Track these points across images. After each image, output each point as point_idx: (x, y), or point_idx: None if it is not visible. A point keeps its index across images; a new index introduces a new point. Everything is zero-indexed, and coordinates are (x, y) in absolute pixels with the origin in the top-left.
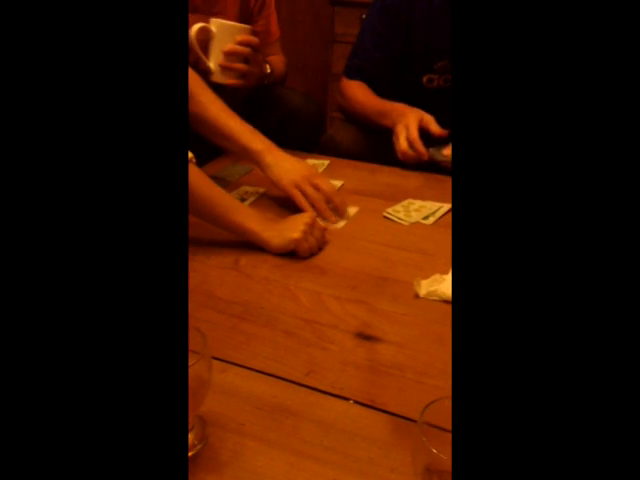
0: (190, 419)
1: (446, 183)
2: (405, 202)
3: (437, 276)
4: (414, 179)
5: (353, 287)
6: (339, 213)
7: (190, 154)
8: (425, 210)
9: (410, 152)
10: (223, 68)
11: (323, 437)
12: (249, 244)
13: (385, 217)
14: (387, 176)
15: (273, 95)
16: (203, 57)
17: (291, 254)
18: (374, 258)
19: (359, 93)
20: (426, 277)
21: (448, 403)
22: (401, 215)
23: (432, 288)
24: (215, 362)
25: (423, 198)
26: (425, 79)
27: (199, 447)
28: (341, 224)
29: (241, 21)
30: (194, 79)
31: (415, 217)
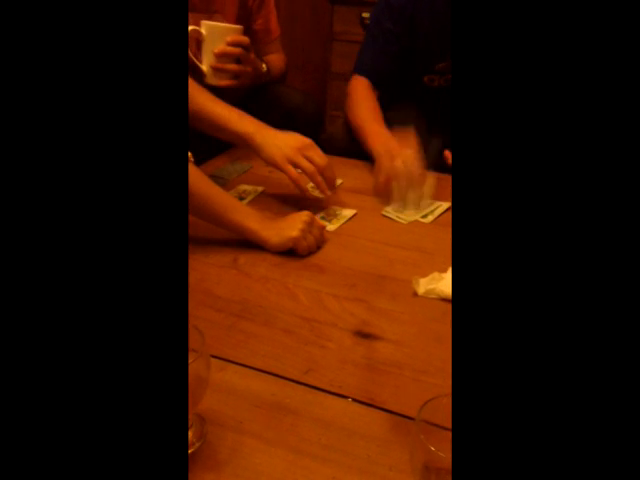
0: (189, 417)
1: (444, 182)
2: None
3: (435, 274)
4: None
5: (352, 285)
6: (327, 184)
7: (189, 153)
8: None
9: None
10: (215, 70)
11: (321, 435)
12: (248, 243)
13: (384, 215)
14: None
15: (272, 94)
16: (195, 60)
17: (290, 252)
18: (373, 256)
19: (362, 104)
20: (424, 275)
21: (446, 401)
22: (400, 213)
23: (430, 286)
24: (214, 360)
25: None
26: (426, 79)
27: (198, 445)
28: (336, 225)
29: (240, 19)
30: None
31: (414, 215)
